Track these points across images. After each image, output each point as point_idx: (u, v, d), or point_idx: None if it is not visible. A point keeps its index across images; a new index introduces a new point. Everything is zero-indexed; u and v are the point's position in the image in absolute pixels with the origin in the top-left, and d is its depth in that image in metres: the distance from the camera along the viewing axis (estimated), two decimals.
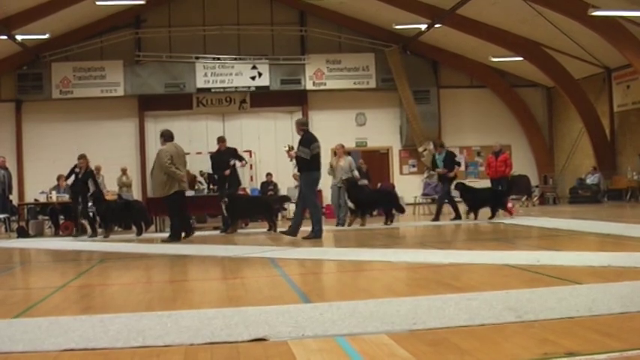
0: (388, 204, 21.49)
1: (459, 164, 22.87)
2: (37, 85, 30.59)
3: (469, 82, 32.93)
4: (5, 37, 26.77)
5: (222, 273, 10.32)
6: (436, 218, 21.57)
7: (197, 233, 19.13)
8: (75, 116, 30.82)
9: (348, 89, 31.73)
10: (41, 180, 26.01)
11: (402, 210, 22.02)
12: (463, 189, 21.60)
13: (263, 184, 28.82)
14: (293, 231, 16.03)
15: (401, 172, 32.20)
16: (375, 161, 31.85)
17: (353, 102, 31.94)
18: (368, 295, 7.11)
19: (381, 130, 32.16)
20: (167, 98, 31.04)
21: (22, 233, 21.90)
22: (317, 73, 31.45)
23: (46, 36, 28.16)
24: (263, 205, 20.70)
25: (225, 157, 20.68)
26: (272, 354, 4.64)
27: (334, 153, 21.53)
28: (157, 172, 17.03)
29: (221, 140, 21.15)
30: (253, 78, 31.10)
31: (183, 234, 16.97)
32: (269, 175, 28.99)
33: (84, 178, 20.41)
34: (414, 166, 32.10)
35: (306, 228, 16.33)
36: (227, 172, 20.43)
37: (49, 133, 30.68)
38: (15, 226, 23.36)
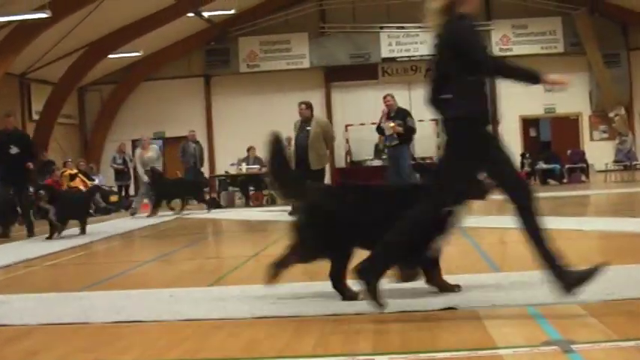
0: None
1: None
2: (224, 59, 31.28)
3: None
4: (193, 15, 27.45)
5: None
6: None
7: None
8: (262, 89, 31.29)
9: (535, 54, 30.96)
10: (231, 152, 26.56)
11: None
12: None
13: None
14: None
15: (591, 139, 31.25)
16: (564, 128, 31.10)
17: (540, 67, 29.26)
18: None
19: (570, 96, 31.08)
20: (353, 69, 31.08)
21: (214, 205, 22.44)
22: (503, 39, 30.92)
23: (232, 11, 28.64)
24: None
25: None
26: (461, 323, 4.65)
27: None
28: (319, 145, 15.73)
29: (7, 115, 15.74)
30: None
31: None
32: None
33: None
34: (604, 132, 31.10)
35: None
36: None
37: (238, 106, 31.25)
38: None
